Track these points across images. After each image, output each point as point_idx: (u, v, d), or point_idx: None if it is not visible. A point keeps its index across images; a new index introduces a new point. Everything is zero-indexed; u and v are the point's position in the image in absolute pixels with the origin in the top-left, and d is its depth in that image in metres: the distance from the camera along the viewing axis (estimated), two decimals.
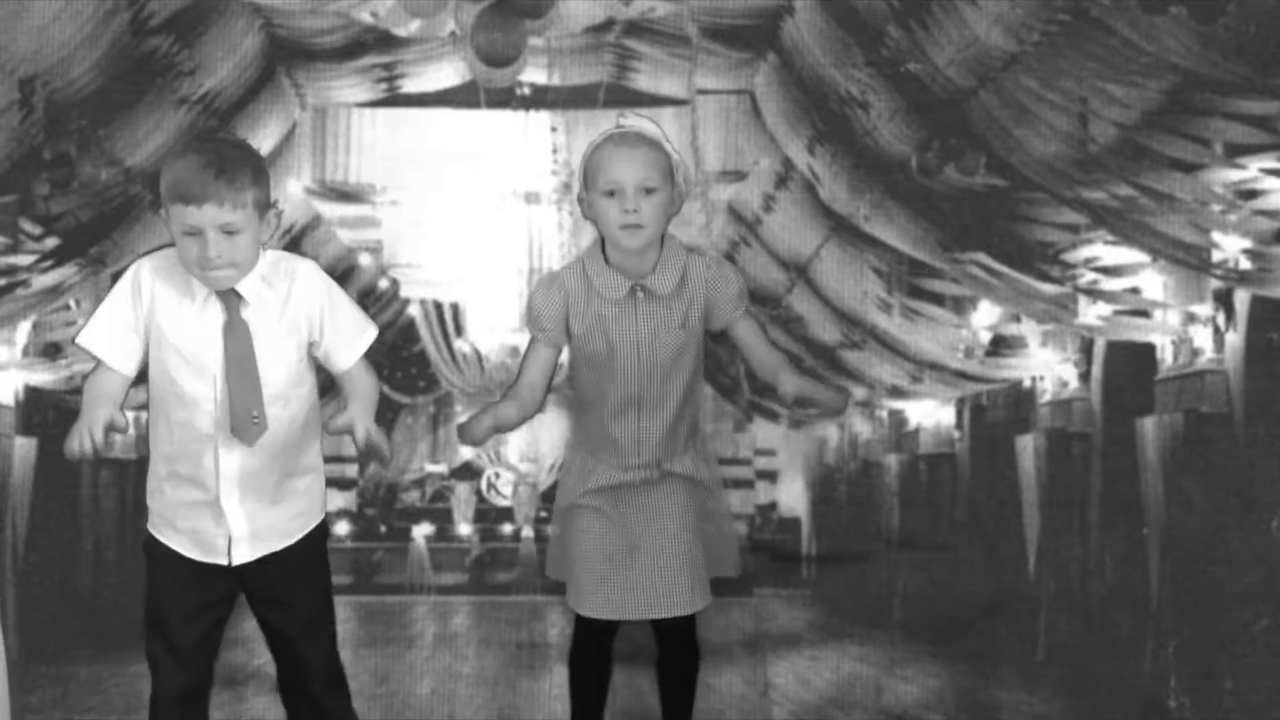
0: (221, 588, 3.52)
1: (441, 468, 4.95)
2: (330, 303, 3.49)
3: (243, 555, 3.48)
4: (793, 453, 5.00)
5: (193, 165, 3.32)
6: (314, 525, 3.59)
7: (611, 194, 3.66)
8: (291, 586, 3.52)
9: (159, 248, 3.47)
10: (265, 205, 3.44)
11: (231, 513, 3.45)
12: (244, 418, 3.41)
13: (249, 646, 3.97)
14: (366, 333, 3.55)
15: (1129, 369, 4.91)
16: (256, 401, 3.41)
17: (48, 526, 4.83)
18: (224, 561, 3.47)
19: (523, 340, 4.93)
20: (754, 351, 3.85)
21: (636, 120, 3.79)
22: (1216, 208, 4.84)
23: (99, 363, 3.46)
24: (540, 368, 3.81)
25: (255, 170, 3.41)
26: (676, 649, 3.87)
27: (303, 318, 3.46)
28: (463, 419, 5.00)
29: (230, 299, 3.41)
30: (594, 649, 3.86)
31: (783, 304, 4.84)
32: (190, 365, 3.42)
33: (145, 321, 3.43)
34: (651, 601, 3.78)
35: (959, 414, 4.96)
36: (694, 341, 3.79)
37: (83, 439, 3.35)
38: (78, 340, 3.48)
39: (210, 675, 3.57)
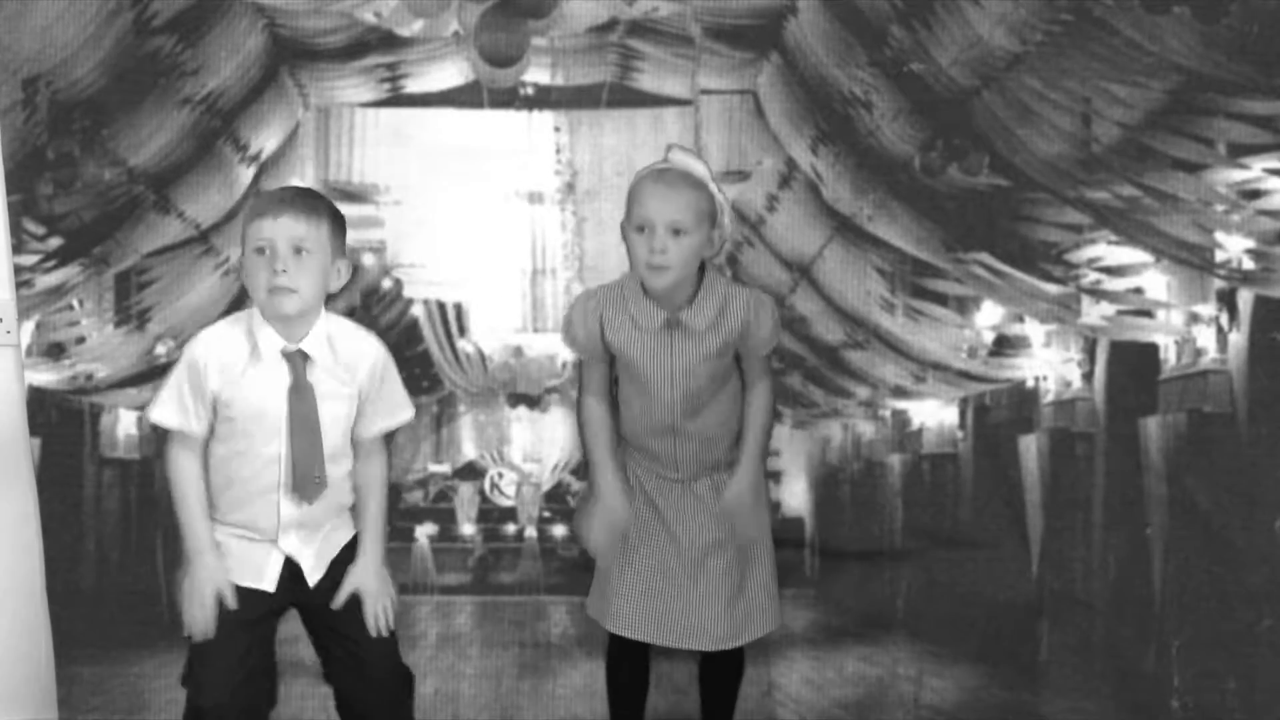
0: (263, 607, 3.61)
1: (444, 468, 4.95)
2: (383, 382, 3.62)
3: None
4: (795, 453, 4.99)
5: (275, 190, 3.62)
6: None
7: (641, 229, 3.63)
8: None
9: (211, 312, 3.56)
10: (338, 247, 3.57)
11: (288, 549, 3.58)
12: (307, 477, 3.51)
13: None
14: (399, 414, 3.68)
15: (1132, 369, 4.90)
16: (319, 462, 3.52)
17: (50, 526, 4.83)
18: (270, 588, 3.58)
19: (525, 340, 4.93)
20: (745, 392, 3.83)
21: (684, 156, 3.72)
22: (1220, 208, 4.84)
23: (175, 438, 3.55)
24: (597, 381, 3.79)
25: (333, 210, 3.60)
26: (718, 656, 3.85)
27: (358, 389, 3.58)
28: (467, 418, 5.01)
29: (296, 360, 3.51)
30: (630, 656, 3.84)
31: (786, 304, 4.84)
32: (260, 427, 3.52)
33: (211, 394, 3.52)
34: (683, 632, 3.76)
35: (962, 414, 4.95)
36: (730, 366, 3.76)
37: (194, 620, 3.49)
38: (150, 416, 3.57)
39: (263, 700, 3.64)
